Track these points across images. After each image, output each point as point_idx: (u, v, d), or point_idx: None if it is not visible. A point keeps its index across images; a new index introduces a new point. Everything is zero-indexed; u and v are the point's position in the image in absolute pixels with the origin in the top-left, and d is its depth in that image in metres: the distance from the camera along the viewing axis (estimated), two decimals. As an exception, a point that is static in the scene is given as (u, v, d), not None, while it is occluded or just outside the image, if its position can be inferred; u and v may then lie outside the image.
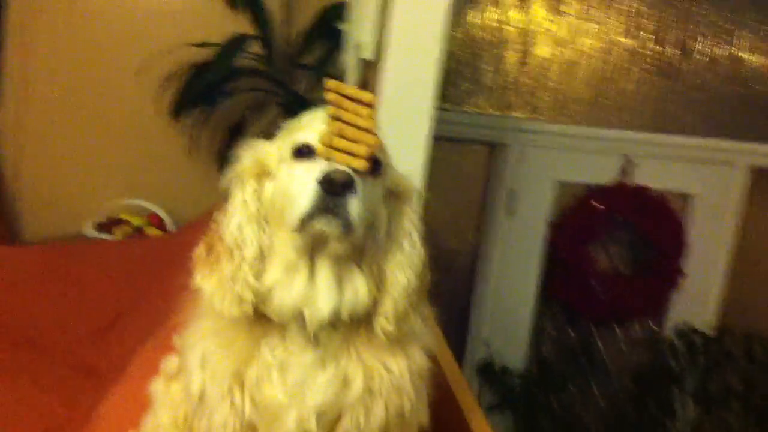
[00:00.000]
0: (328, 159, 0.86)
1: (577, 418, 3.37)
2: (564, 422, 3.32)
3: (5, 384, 1.98)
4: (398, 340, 0.97)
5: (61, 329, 2.27)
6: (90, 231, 2.98)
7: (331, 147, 0.84)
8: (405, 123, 2.00)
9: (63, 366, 2.12)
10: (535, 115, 3.21)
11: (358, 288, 0.93)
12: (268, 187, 0.96)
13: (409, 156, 2.01)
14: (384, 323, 0.94)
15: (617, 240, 3.34)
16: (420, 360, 1.00)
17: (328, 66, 2.89)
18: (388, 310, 0.94)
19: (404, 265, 0.96)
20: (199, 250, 0.98)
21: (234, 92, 3.03)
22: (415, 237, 0.98)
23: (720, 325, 3.41)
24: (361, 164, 0.85)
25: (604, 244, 3.32)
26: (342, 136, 0.83)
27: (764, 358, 3.39)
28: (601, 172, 3.25)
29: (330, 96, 0.86)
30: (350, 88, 0.85)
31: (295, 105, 2.83)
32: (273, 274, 0.93)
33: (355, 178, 0.85)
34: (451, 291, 3.28)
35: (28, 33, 3.14)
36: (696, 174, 3.31)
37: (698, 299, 3.40)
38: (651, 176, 3.25)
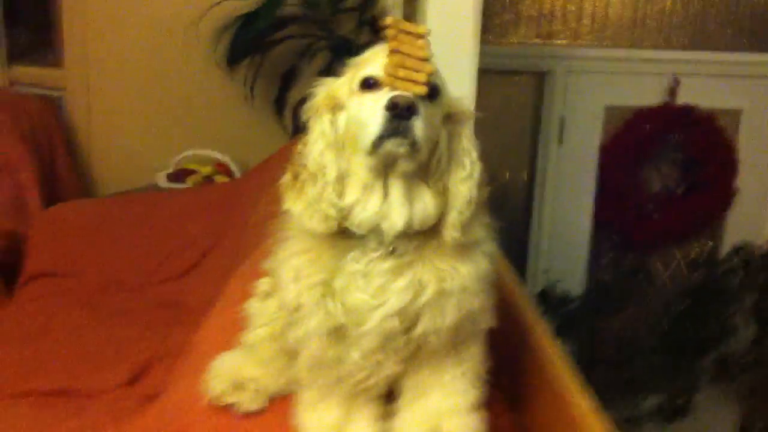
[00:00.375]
0: (392, 87, 0.97)
1: (637, 339, 3.45)
2: (623, 344, 3.42)
3: (101, 323, 2.16)
4: (464, 247, 1.08)
5: (146, 272, 2.44)
6: (163, 182, 3.13)
7: (394, 77, 0.96)
8: (449, 56, 2.04)
9: (152, 304, 2.29)
10: (579, 41, 3.23)
11: (427, 202, 1.05)
12: (342, 117, 1.07)
13: (456, 89, 2.08)
14: (451, 231, 1.05)
15: (668, 161, 3.37)
16: (484, 264, 1.12)
17: (370, 7, 2.95)
18: (455, 220, 1.06)
19: (465, 180, 1.07)
20: (286, 178, 1.10)
21: (283, 40, 3.09)
22: (473, 154, 1.09)
23: None
24: (421, 89, 0.96)
25: (655, 165, 3.36)
26: (402, 67, 0.95)
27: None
28: (648, 93, 3.26)
29: (389, 32, 0.97)
30: (406, 23, 0.96)
31: (342, 47, 2.91)
32: (352, 193, 1.04)
33: (417, 101, 0.96)
34: (508, 222, 3.33)
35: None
36: (743, 90, 3.31)
37: (753, 216, 3.43)
38: (698, 95, 3.26)
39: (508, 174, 3.35)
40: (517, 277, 1.49)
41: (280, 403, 1.24)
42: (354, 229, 1.05)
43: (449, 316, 1.08)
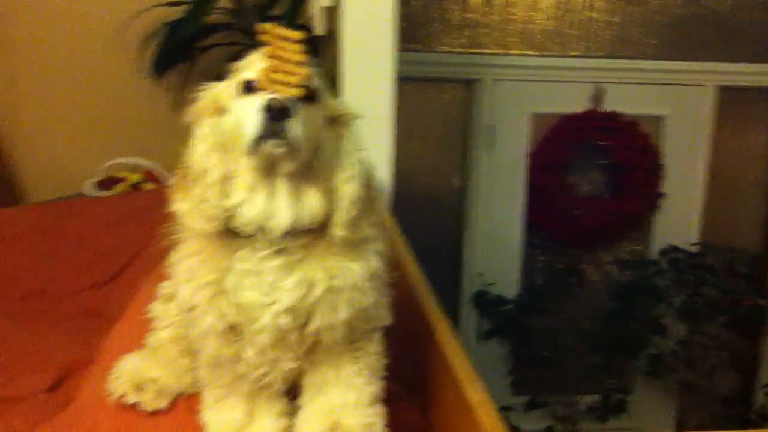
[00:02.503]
0: (267, 91, 1.01)
1: (570, 339, 3.51)
2: (557, 344, 3.48)
3: (22, 331, 2.13)
4: (354, 245, 1.12)
5: (66, 281, 2.41)
6: (90, 190, 3.11)
7: (269, 80, 0.99)
8: (368, 65, 2.10)
9: (74, 313, 2.26)
10: (505, 50, 3.28)
11: (313, 201, 1.08)
12: (225, 120, 1.10)
13: (376, 97, 2.12)
14: (338, 229, 1.09)
15: (594, 166, 3.45)
16: (375, 262, 1.16)
17: (295, 16, 2.97)
18: (341, 218, 1.09)
19: (349, 180, 1.10)
20: (176, 179, 1.14)
21: (211, 47, 3.13)
22: (356, 155, 1.13)
23: (702, 242, 3.51)
24: (295, 92, 1.00)
25: (582, 170, 3.44)
26: (278, 70, 0.98)
27: (745, 271, 3.51)
28: (573, 101, 3.33)
29: (264, 37, 1.01)
30: (281, 29, 1.00)
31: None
32: (238, 193, 1.08)
33: (292, 104, 1.00)
34: (442, 228, 3.41)
35: (7, 3, 3.25)
36: (665, 97, 3.39)
37: (680, 219, 3.51)
38: (622, 102, 3.34)
39: (439, 181, 3.40)
40: (421, 273, 1.52)
41: (185, 402, 1.27)
42: (241, 228, 1.08)
43: (341, 312, 1.11)
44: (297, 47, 1.00)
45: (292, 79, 0.98)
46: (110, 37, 3.16)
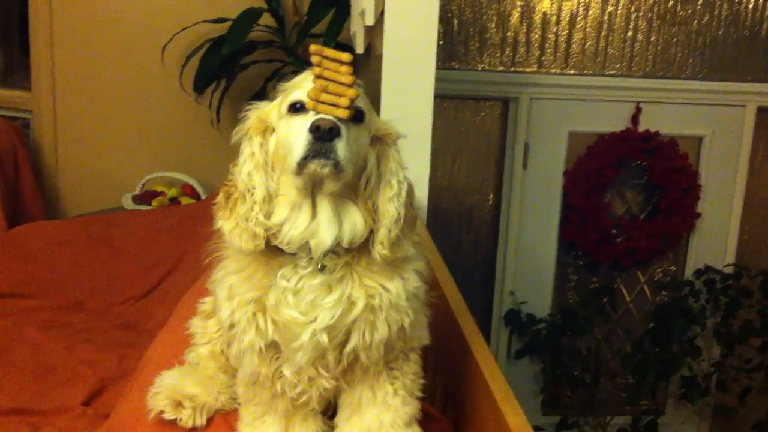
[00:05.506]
0: (315, 111, 1.02)
1: (604, 361, 3.49)
2: (588, 364, 3.45)
3: (60, 344, 2.18)
4: (393, 264, 1.13)
5: (106, 294, 2.46)
6: (128, 204, 3.14)
7: (317, 101, 1.00)
8: (407, 83, 2.10)
9: (111, 326, 2.31)
10: (543, 69, 3.28)
11: (355, 220, 1.09)
12: (271, 139, 1.12)
13: (414, 115, 2.10)
14: (380, 248, 1.09)
15: (630, 186, 3.42)
16: (414, 281, 1.16)
17: (336, 34, 2.97)
18: (383, 238, 1.09)
19: (393, 199, 1.11)
20: (219, 198, 1.14)
21: (251, 64, 3.13)
22: (401, 174, 1.13)
23: (737, 263, 3.46)
24: (343, 113, 1.01)
25: (618, 190, 3.41)
26: (326, 92, 0.99)
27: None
28: (611, 120, 3.31)
29: (314, 58, 1.02)
30: (330, 51, 1.01)
31: (310, 73, 2.93)
32: (281, 212, 1.09)
33: (340, 124, 1.01)
34: (475, 245, 3.40)
35: (54, 17, 3.29)
36: (704, 117, 3.36)
37: (715, 240, 3.47)
38: (660, 121, 3.32)
39: (474, 198, 3.39)
40: (458, 292, 1.52)
41: (223, 419, 1.28)
42: (284, 247, 1.09)
43: (380, 332, 1.11)
44: (346, 69, 1.01)
45: (341, 101, 0.99)
46: (153, 52, 3.17)
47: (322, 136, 1.00)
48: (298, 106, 1.06)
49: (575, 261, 3.49)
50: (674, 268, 3.53)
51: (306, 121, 1.02)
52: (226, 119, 3.21)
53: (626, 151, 3.33)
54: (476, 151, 3.35)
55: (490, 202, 3.41)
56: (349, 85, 1.00)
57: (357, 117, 1.07)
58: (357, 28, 2.63)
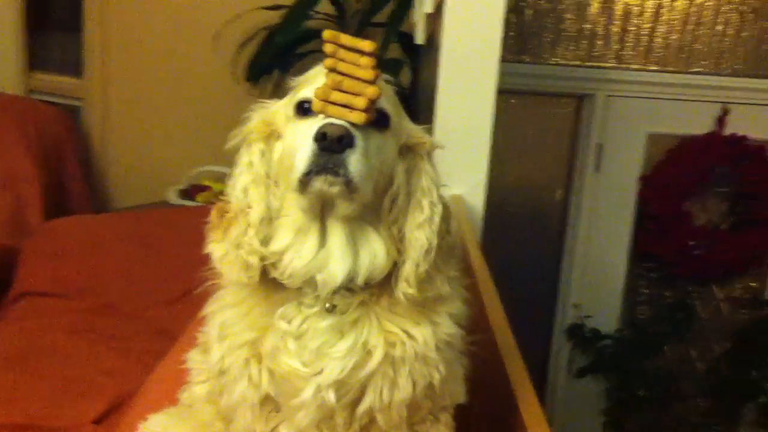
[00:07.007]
0: (324, 114, 0.81)
1: (674, 382, 3.30)
2: (658, 385, 3.27)
3: (85, 350, 2.05)
4: (422, 306, 0.91)
5: (140, 295, 2.33)
6: (173, 198, 3.06)
7: (326, 101, 0.79)
8: (468, 76, 1.92)
9: (141, 331, 2.18)
10: (623, 64, 3.07)
11: (376, 250, 0.88)
12: (277, 147, 0.92)
13: (475, 110, 1.92)
14: (405, 287, 0.88)
15: (714, 194, 3.21)
16: (447, 327, 0.93)
17: (400, 23, 2.80)
18: (410, 273, 0.88)
19: (423, 225, 0.89)
20: (212, 216, 0.94)
21: (307, 54, 2.99)
22: (434, 194, 0.91)
23: None
24: (358, 117, 0.79)
25: (701, 198, 3.20)
26: (339, 89, 0.78)
27: None
28: (694, 122, 3.11)
29: (327, 47, 0.80)
30: (348, 38, 0.79)
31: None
32: (283, 237, 0.88)
33: (354, 131, 0.79)
34: (539, 251, 3.23)
35: (107, 8, 3.23)
36: (797, 121, 3.13)
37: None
38: (748, 125, 3.10)
39: (540, 202, 3.22)
40: (512, 337, 1.27)
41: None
42: (285, 280, 0.88)
43: (401, 390, 0.90)
44: (367, 61, 0.78)
45: (357, 102, 0.77)
46: (206, 40, 3.07)
47: (330, 146, 0.78)
48: (306, 106, 0.86)
49: (647, 273, 3.28)
50: (756, 285, 3.30)
51: (313, 126, 0.81)
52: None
53: (711, 157, 3.11)
54: (544, 151, 3.16)
55: (557, 207, 3.21)
56: (370, 82, 0.78)
57: (380, 122, 0.85)
58: (418, 17, 2.48)
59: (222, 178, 3.16)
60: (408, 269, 0.88)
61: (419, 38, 2.46)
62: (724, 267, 3.23)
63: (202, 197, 3.02)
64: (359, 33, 3.07)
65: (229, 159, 2.99)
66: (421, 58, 2.77)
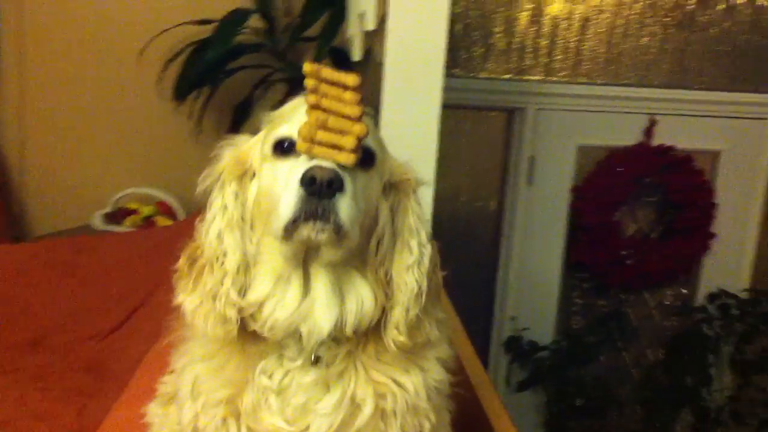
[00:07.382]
0: (309, 155, 0.75)
1: (611, 390, 3.34)
2: (595, 394, 3.30)
3: (11, 393, 1.90)
4: (412, 352, 0.87)
5: (68, 329, 2.19)
6: (98, 223, 2.92)
7: (312, 141, 0.73)
8: (412, 92, 1.92)
9: (71, 368, 2.03)
10: (552, 77, 3.10)
11: (363, 297, 0.83)
12: (251, 187, 0.85)
13: (420, 127, 1.93)
14: (395, 334, 0.83)
15: (643, 204, 3.27)
16: (437, 373, 0.89)
17: (332, 37, 2.77)
18: (399, 319, 0.83)
19: (412, 267, 0.85)
20: (180, 263, 0.87)
21: (237, 70, 2.93)
22: (422, 234, 0.87)
23: (754, 287, 3.34)
24: (348, 158, 0.74)
25: (630, 208, 3.25)
26: (324, 128, 0.72)
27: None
28: (623, 133, 3.17)
29: (308, 82, 0.74)
30: (330, 71, 0.73)
31: (300, 80, 2.73)
32: (262, 286, 0.82)
33: (343, 174, 0.74)
34: (474, 264, 3.21)
35: (24, 19, 3.07)
36: (722, 130, 3.22)
37: (730, 261, 3.34)
38: (675, 135, 3.16)
39: (474, 216, 3.20)
40: (486, 376, 1.22)
41: None
42: (265, 333, 0.82)
43: None
44: (352, 96, 0.73)
45: (345, 141, 0.71)
46: (129, 57, 2.96)
47: (319, 190, 0.73)
48: (286, 145, 0.80)
49: (581, 283, 3.32)
50: (686, 292, 3.38)
51: (297, 167, 0.75)
52: (208, 130, 3.01)
53: (639, 167, 3.17)
54: (477, 164, 3.15)
55: (492, 219, 3.21)
56: (356, 119, 0.73)
57: (366, 160, 0.80)
58: (354, 32, 2.44)
59: (149, 200, 3.06)
60: (398, 315, 0.83)
61: (356, 54, 2.42)
62: (654, 275, 3.28)
63: (129, 221, 2.90)
64: (290, 49, 3.03)
65: (157, 181, 2.91)
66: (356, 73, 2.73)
